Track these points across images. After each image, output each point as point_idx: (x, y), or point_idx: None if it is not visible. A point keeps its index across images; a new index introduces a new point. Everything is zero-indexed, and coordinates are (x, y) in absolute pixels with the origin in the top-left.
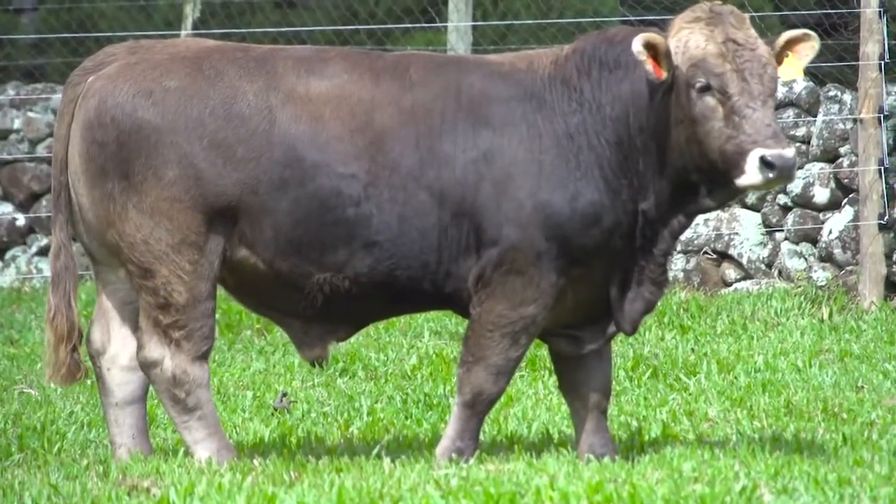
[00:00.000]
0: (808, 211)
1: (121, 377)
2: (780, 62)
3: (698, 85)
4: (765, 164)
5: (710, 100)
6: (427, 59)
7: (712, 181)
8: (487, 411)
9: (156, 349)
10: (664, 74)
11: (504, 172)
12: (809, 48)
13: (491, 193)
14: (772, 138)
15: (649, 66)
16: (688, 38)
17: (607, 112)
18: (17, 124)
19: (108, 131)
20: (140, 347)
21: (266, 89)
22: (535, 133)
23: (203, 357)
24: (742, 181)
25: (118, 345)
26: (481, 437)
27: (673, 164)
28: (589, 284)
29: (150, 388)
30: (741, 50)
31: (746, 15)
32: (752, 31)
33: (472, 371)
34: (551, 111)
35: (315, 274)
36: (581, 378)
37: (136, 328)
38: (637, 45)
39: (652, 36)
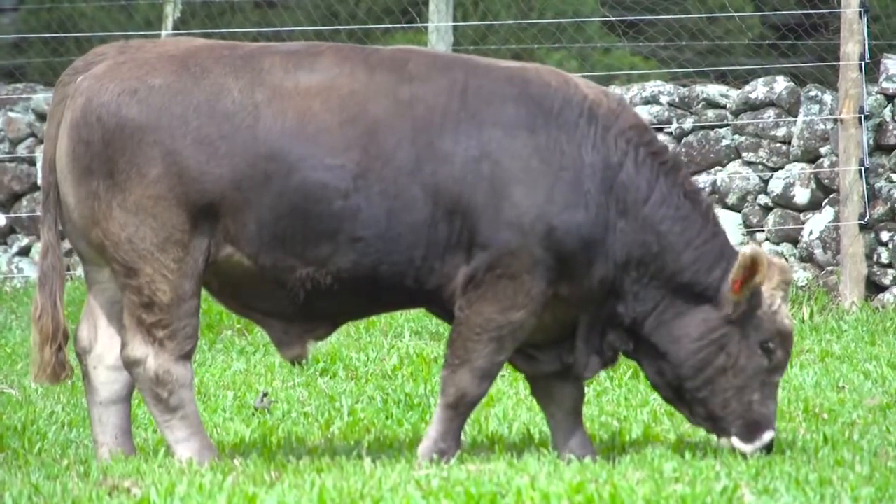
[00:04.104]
0: (789, 211)
1: (106, 376)
2: None
3: (769, 346)
4: (767, 447)
5: (764, 363)
6: (431, 55)
7: (702, 402)
8: (469, 413)
9: (139, 348)
10: (738, 297)
11: (510, 176)
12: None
13: (489, 194)
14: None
15: (737, 277)
16: (780, 304)
17: (633, 211)
18: None
19: (94, 130)
20: (123, 346)
21: (251, 85)
22: (556, 148)
23: (186, 356)
24: (738, 444)
25: (105, 344)
26: (462, 437)
27: (668, 343)
28: (569, 307)
29: (136, 388)
30: None
31: None
32: None
33: (457, 373)
34: (583, 139)
35: (299, 268)
36: (554, 381)
37: (122, 327)
38: (748, 251)
39: (764, 262)
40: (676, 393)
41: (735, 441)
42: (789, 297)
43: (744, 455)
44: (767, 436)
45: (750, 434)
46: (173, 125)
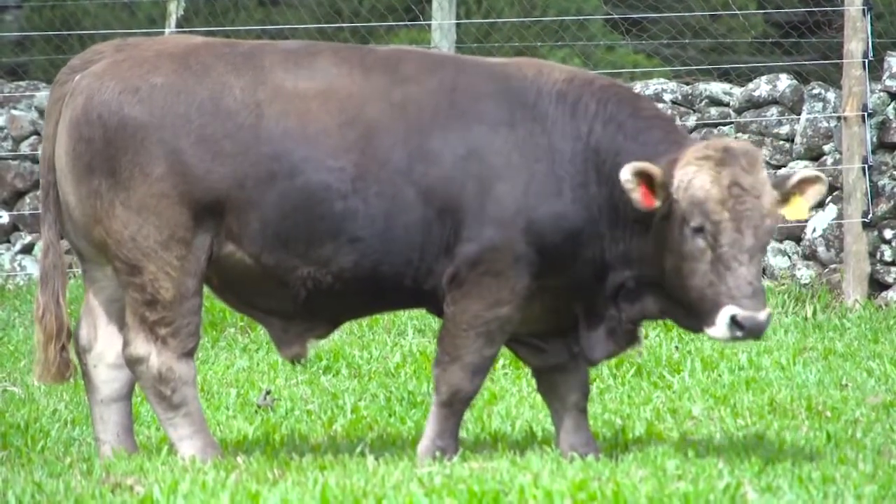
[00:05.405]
0: None
1: (107, 374)
2: (787, 201)
3: (693, 225)
4: (735, 322)
5: (701, 242)
6: (422, 56)
7: (686, 313)
8: (465, 409)
9: (142, 346)
10: (656, 203)
11: (494, 173)
12: (817, 191)
13: (476, 192)
14: (750, 298)
15: (637, 194)
16: (693, 176)
17: (607, 170)
18: (0, 122)
19: (95, 128)
20: (126, 344)
21: (253, 84)
22: (531, 140)
23: (189, 354)
24: (709, 331)
25: (105, 342)
26: (465, 435)
27: (654, 272)
28: (558, 295)
29: (136, 385)
30: (745, 196)
31: (762, 154)
32: (763, 175)
33: (448, 370)
34: (553, 125)
35: (301, 267)
36: (558, 378)
37: (122, 326)
38: (626, 173)
39: (644, 166)
40: (682, 311)
41: (706, 330)
42: (724, 162)
43: (720, 340)
44: (725, 312)
45: (711, 317)
46: (176, 124)
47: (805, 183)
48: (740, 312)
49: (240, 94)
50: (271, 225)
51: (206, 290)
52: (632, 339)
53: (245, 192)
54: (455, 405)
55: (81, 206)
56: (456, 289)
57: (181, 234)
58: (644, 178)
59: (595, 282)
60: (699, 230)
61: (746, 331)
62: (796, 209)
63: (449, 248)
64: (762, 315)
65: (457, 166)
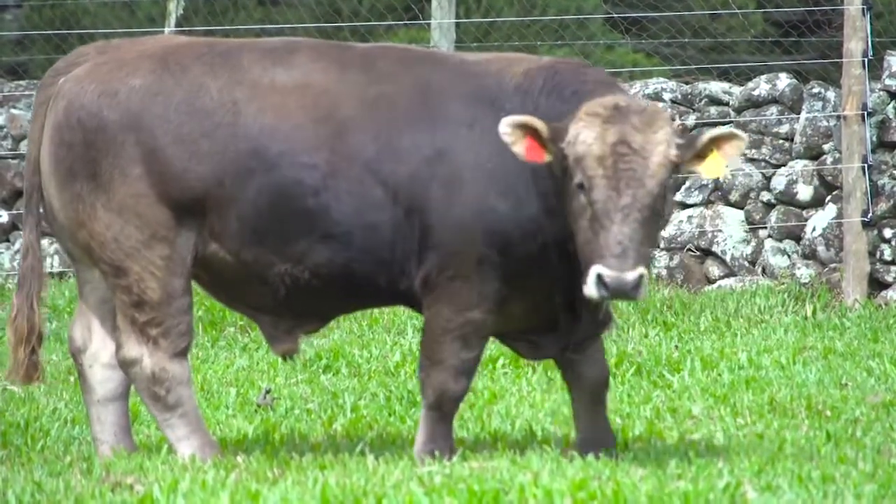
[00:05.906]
0: (792, 208)
1: (102, 374)
2: (703, 158)
3: (575, 181)
4: (601, 282)
5: (583, 198)
6: (399, 53)
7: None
8: (455, 410)
9: (134, 348)
10: (545, 157)
11: (453, 174)
12: (735, 147)
13: (440, 194)
14: (617, 257)
15: (518, 147)
16: (580, 132)
17: None
18: (0, 121)
19: (75, 132)
20: (118, 347)
21: (231, 83)
22: (486, 140)
23: (182, 354)
24: (584, 290)
25: (99, 342)
26: (465, 434)
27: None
28: (535, 294)
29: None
30: (630, 156)
31: (666, 112)
32: (658, 136)
33: (431, 374)
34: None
35: (277, 264)
36: (580, 368)
37: (115, 326)
38: (503, 126)
39: (524, 119)
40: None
41: (584, 289)
42: (613, 119)
43: (593, 300)
44: (593, 270)
45: (585, 275)
46: (154, 125)
47: (721, 140)
48: (605, 272)
49: (216, 94)
50: (249, 221)
51: (202, 289)
52: (605, 317)
53: (224, 191)
54: (444, 407)
55: (65, 209)
56: (429, 293)
57: (163, 234)
58: (529, 131)
59: (571, 266)
60: (580, 186)
61: (611, 291)
62: (713, 166)
63: (420, 250)
64: (629, 276)
65: (423, 167)
